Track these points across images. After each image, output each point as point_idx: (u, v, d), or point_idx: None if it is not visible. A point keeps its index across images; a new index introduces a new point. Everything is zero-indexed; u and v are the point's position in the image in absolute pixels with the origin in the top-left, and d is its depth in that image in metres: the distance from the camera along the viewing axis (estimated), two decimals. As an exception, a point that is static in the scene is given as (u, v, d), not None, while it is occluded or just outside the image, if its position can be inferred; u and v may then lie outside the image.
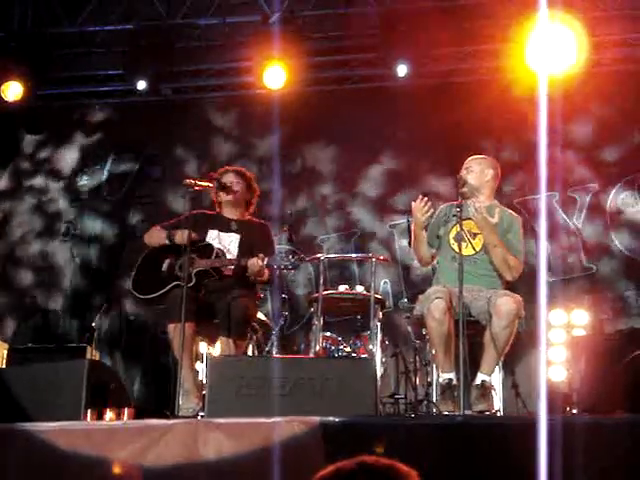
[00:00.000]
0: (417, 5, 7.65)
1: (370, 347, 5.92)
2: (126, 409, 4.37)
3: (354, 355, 6.06)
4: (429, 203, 5.09)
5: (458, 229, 4.88)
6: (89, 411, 4.30)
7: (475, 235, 5.16)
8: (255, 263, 5.16)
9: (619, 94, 7.95)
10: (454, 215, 5.05)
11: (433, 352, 5.08)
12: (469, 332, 4.63)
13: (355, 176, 8.52)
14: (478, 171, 5.32)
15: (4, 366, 6.58)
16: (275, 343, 6.11)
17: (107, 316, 8.35)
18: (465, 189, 5.17)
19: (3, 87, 8.16)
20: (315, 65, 8.40)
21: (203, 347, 5.71)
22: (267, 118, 7.92)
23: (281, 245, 6.48)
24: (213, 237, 5.49)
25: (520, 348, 6.25)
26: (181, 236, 5.30)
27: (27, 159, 9.22)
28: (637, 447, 3.42)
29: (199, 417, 4.72)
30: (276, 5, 7.96)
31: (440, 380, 4.87)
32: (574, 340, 6.49)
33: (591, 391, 5.27)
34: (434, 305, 4.77)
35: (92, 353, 6.82)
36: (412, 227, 5.25)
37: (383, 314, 6.31)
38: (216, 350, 5.55)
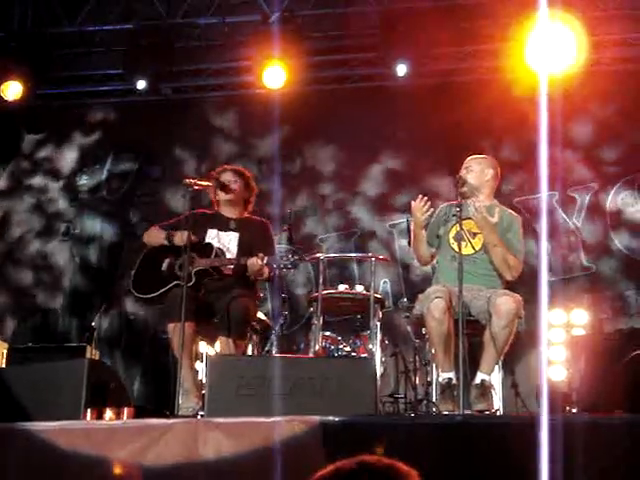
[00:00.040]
0: (417, 5, 7.65)
1: (370, 346, 5.92)
2: (126, 408, 4.37)
3: (354, 355, 6.06)
4: (429, 202, 5.10)
5: (458, 229, 4.88)
6: (89, 410, 4.29)
7: (475, 235, 5.16)
8: (255, 262, 5.16)
9: (619, 93, 7.95)
10: (454, 215, 5.05)
11: (433, 351, 5.08)
12: (469, 331, 4.63)
13: (355, 175, 8.52)
14: (478, 171, 5.32)
15: (4, 366, 6.57)
16: (275, 343, 6.11)
17: (107, 315, 8.35)
18: (465, 189, 5.17)
19: (3, 87, 8.16)
20: (315, 64, 8.40)
21: (203, 347, 5.70)
22: (267, 118, 7.92)
23: (281, 244, 6.48)
24: (212, 236, 5.48)
25: (520, 348, 6.25)
26: (180, 237, 5.30)
27: (27, 158, 9.21)
28: (637, 447, 3.42)
29: (199, 417, 4.71)
30: (276, 5, 7.97)
31: (440, 379, 4.87)
32: (574, 339, 6.48)
33: (591, 390, 5.26)
34: (434, 304, 4.77)
35: (92, 352, 6.82)
36: (412, 226, 5.25)
37: (383, 314, 6.30)
38: (216, 350, 5.55)
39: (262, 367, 4.31)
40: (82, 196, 9.02)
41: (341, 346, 6.10)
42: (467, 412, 4.59)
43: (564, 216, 7.99)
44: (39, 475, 3.82)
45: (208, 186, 5.47)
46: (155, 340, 8.02)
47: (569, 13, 7.01)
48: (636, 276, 7.76)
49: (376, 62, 8.30)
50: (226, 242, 5.47)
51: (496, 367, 4.99)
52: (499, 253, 5.05)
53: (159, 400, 7.38)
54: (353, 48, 8.45)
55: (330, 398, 4.09)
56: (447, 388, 4.77)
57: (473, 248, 5.15)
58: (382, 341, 6.13)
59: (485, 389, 4.80)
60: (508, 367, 5.90)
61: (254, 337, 5.60)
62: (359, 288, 6.36)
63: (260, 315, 5.88)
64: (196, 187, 5.24)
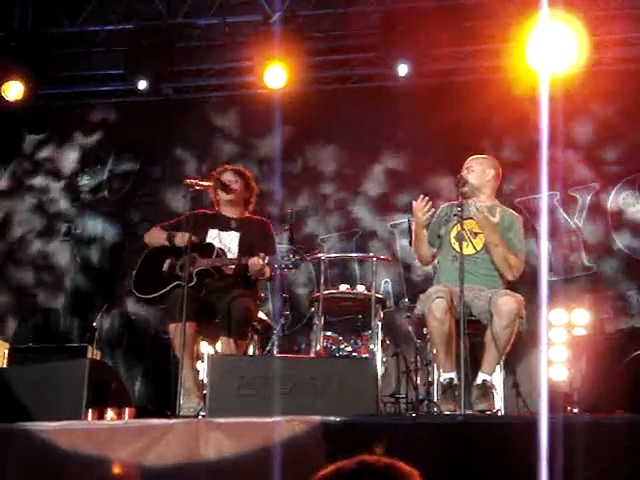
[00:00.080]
0: (417, 4, 7.65)
1: (371, 347, 5.92)
2: (127, 409, 4.37)
3: (355, 355, 6.06)
4: (430, 202, 5.09)
5: (459, 229, 4.88)
6: (90, 411, 4.30)
7: (476, 234, 5.16)
8: (256, 262, 5.16)
9: (620, 93, 7.95)
10: (455, 215, 5.05)
11: (434, 351, 5.07)
12: (470, 332, 4.63)
13: (356, 175, 8.52)
14: (479, 171, 5.31)
15: (5, 366, 6.57)
16: (276, 343, 6.10)
17: (108, 316, 8.35)
18: (466, 189, 5.17)
19: (4, 87, 8.17)
20: (316, 65, 8.41)
21: (204, 347, 5.71)
22: (268, 118, 7.92)
23: (282, 245, 6.48)
24: (213, 236, 5.48)
25: (521, 348, 6.24)
26: (181, 238, 5.30)
27: (28, 159, 9.22)
28: (637, 447, 3.42)
29: (200, 417, 4.71)
30: (277, 5, 7.97)
31: (441, 379, 4.87)
32: (575, 339, 6.48)
33: (592, 391, 5.26)
34: (435, 304, 4.77)
35: (93, 353, 6.82)
36: (413, 226, 5.25)
37: (384, 314, 6.30)
38: (217, 350, 5.55)
39: (263, 367, 4.31)
40: (83, 196, 9.02)
41: (342, 346, 6.10)
42: (468, 412, 4.59)
43: (565, 216, 7.99)
44: (40, 475, 3.82)
45: (209, 186, 5.47)
46: (156, 340, 8.01)
47: (570, 13, 7.00)
48: (637, 276, 7.76)
49: (377, 62, 8.30)
50: (227, 242, 5.48)
51: (497, 367, 4.99)
52: (500, 253, 5.05)
53: (160, 400, 7.37)
54: (354, 48, 8.45)
55: (331, 398, 4.09)
56: (448, 388, 4.77)
57: (474, 248, 5.14)
58: (383, 341, 6.12)
59: (486, 389, 4.80)
60: (509, 367, 5.90)
61: (255, 337, 5.60)
62: (360, 288, 6.36)
63: (261, 315, 5.88)
64: (197, 187, 5.24)
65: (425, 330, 5.08)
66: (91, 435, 3.88)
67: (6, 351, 6.80)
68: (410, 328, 6.08)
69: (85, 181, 9.05)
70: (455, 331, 4.73)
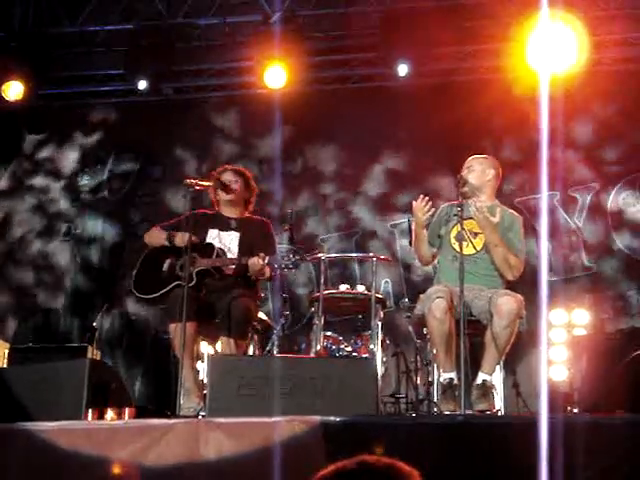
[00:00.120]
0: (417, 4, 7.65)
1: (371, 346, 5.92)
2: (127, 409, 4.37)
3: (355, 355, 6.06)
4: (430, 202, 5.09)
5: (459, 229, 4.88)
6: (90, 411, 4.30)
7: (476, 234, 5.16)
8: (256, 262, 5.16)
9: (620, 93, 7.95)
10: (455, 215, 5.04)
11: (434, 351, 5.07)
12: (470, 331, 4.63)
13: (356, 175, 8.52)
14: (479, 171, 5.31)
15: (5, 366, 6.57)
16: (276, 343, 6.10)
17: (108, 316, 8.35)
18: (466, 189, 5.17)
19: (4, 87, 8.17)
20: (316, 65, 8.41)
21: (204, 347, 5.70)
22: (268, 118, 7.92)
23: (282, 245, 6.48)
24: (213, 236, 5.48)
25: (521, 348, 6.24)
26: (181, 238, 5.30)
27: (28, 159, 9.22)
28: (637, 447, 3.42)
29: (200, 417, 4.71)
30: (277, 5, 7.97)
31: (441, 379, 4.87)
32: (575, 339, 6.49)
33: (592, 390, 5.27)
34: (435, 304, 4.77)
35: (93, 353, 6.82)
36: (413, 226, 5.24)
37: (384, 314, 6.30)
38: (217, 350, 5.55)
39: (263, 367, 4.31)
40: (83, 196, 9.02)
41: (342, 346, 6.10)
42: (468, 412, 4.59)
43: (565, 216, 7.99)
44: (40, 475, 3.82)
45: (209, 186, 5.47)
46: (156, 340, 8.01)
47: (570, 13, 7.00)
48: (637, 276, 7.76)
49: (377, 62, 8.30)
50: (227, 242, 5.48)
51: (497, 367, 4.98)
52: (500, 253, 5.05)
53: (160, 400, 7.37)
54: (354, 48, 8.45)
55: (331, 398, 4.09)
56: (448, 388, 4.77)
57: (474, 248, 5.14)
58: (383, 341, 6.12)
59: (486, 389, 4.79)
60: (509, 367, 5.90)
61: (255, 337, 5.60)
62: (360, 288, 6.36)
63: (261, 315, 5.88)
64: (197, 187, 5.24)
65: (425, 330, 5.07)
66: (91, 435, 3.88)
67: (6, 351, 6.80)
68: (410, 328, 6.08)
69: (85, 181, 9.05)
70: (455, 331, 4.73)
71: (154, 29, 8.22)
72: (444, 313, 4.74)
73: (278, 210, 7.94)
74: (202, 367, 5.62)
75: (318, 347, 5.89)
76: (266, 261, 5.14)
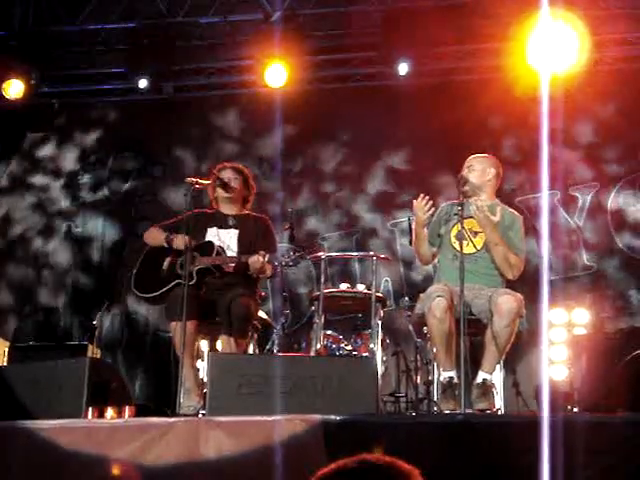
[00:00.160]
0: (418, 4, 7.65)
1: (371, 345, 5.92)
2: (127, 407, 4.38)
3: (355, 353, 6.07)
4: (430, 201, 5.09)
5: (459, 228, 4.88)
6: (90, 409, 4.30)
7: (476, 234, 5.16)
8: (256, 260, 5.16)
9: (620, 93, 7.95)
10: (455, 214, 5.04)
11: (434, 350, 5.07)
12: (470, 331, 4.63)
13: (356, 174, 8.52)
14: (480, 170, 5.31)
15: (5, 364, 6.57)
16: (276, 341, 6.11)
17: (108, 314, 8.35)
18: (466, 188, 5.17)
19: (5, 85, 8.17)
20: (316, 63, 8.41)
21: (204, 345, 5.71)
22: (268, 116, 7.92)
23: (283, 243, 6.48)
24: (212, 234, 5.48)
25: (521, 347, 6.25)
26: (180, 240, 5.29)
27: (28, 157, 9.22)
28: (637, 447, 3.42)
29: (200, 415, 4.72)
30: (277, 3, 7.97)
31: (441, 378, 4.87)
32: (575, 339, 6.49)
33: (592, 390, 5.27)
34: (435, 303, 4.77)
35: (93, 351, 6.82)
36: (413, 225, 5.24)
37: (384, 312, 6.30)
38: (217, 348, 5.55)
39: (263, 366, 4.31)
40: (83, 195, 9.02)
41: (342, 345, 6.10)
42: (468, 411, 4.59)
43: (565, 215, 7.99)
44: (40, 473, 3.82)
45: (209, 184, 5.48)
46: (156, 339, 8.02)
47: (571, 12, 7.00)
48: (637, 275, 7.76)
49: (377, 61, 8.29)
50: (226, 239, 5.47)
51: (497, 366, 4.98)
52: (500, 252, 5.05)
53: (160, 399, 7.36)
54: (354, 47, 8.45)
55: (331, 397, 4.09)
56: (448, 387, 4.77)
57: (474, 247, 5.14)
58: (383, 340, 6.13)
59: (486, 388, 4.80)
60: (509, 366, 5.91)
61: (255, 336, 5.60)
62: (360, 287, 6.36)
63: (261, 314, 5.89)
64: (198, 186, 5.24)
65: (425, 329, 5.07)
66: (91, 434, 3.88)
67: (6, 349, 6.81)
68: (410, 327, 6.08)
69: (85, 180, 9.05)
70: (455, 330, 4.73)
71: (154, 28, 8.22)
72: (444, 312, 4.74)
73: (279, 209, 7.94)
74: (202, 366, 5.62)
75: (318, 346, 5.89)
76: (266, 259, 5.14)
